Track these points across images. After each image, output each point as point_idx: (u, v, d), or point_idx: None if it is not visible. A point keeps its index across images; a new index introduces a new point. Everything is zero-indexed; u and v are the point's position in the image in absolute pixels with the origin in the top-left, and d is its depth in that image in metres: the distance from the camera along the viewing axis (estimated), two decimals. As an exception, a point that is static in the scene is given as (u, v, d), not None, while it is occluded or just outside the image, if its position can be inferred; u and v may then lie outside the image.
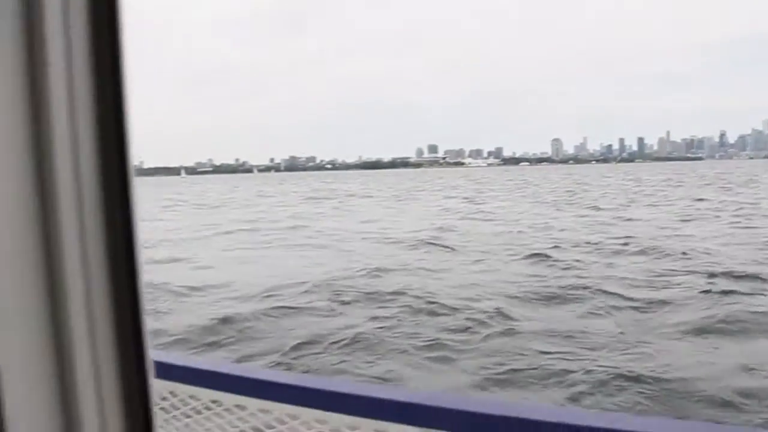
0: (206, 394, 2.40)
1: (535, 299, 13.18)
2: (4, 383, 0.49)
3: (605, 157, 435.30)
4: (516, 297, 13.35)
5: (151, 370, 0.58)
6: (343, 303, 13.05)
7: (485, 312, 11.90)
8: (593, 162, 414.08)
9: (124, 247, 0.57)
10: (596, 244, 21.26)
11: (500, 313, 11.84)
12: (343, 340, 10.31)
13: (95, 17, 0.54)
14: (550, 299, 13.14)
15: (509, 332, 10.69)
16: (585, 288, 13.92)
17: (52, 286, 0.52)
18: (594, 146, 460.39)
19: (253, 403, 2.34)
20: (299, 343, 10.17)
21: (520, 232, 26.32)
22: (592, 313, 11.94)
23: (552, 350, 9.75)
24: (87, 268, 0.54)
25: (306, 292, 13.98)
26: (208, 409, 2.40)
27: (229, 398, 2.38)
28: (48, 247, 0.52)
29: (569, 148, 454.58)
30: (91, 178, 0.55)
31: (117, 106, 0.57)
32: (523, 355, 9.59)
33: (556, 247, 20.86)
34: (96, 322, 0.54)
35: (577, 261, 17.73)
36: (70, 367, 0.52)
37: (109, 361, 0.55)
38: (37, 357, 0.51)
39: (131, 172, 0.58)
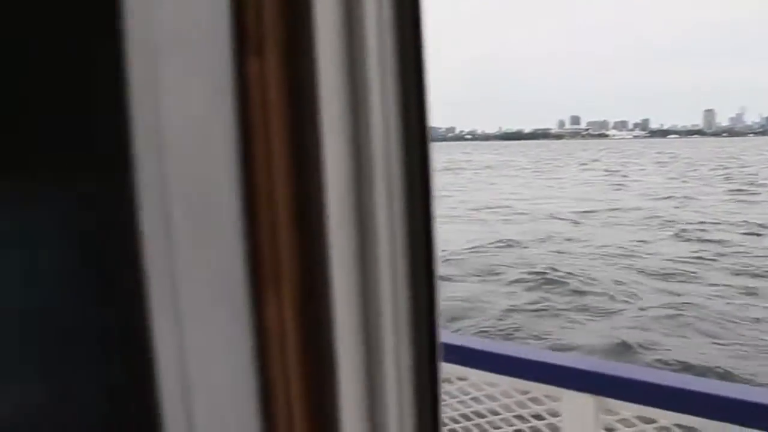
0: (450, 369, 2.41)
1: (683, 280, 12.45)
2: (342, 374, 0.49)
3: (764, 129, 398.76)
4: (663, 275, 12.71)
5: (440, 355, 0.56)
6: (484, 275, 13.02)
7: (631, 291, 11.45)
8: (750, 135, 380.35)
9: (423, 228, 0.54)
10: (760, 225, 19.57)
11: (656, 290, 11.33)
12: (499, 316, 10.17)
13: None
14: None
15: (674, 316, 10.08)
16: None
17: (365, 273, 0.51)
18: (753, 118, 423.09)
19: (503, 381, 2.32)
20: (452, 318, 10.05)
21: (674, 205, 24.91)
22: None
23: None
24: (393, 247, 0.52)
25: (445, 261, 14.06)
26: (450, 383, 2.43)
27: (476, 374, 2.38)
28: (363, 239, 0.50)
29: (723, 120, 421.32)
30: (398, 166, 0.52)
31: (418, 75, 0.52)
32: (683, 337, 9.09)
33: (702, 222, 19.67)
34: (399, 310, 0.53)
35: (743, 242, 16.48)
36: (379, 358, 0.52)
37: (406, 346, 0.53)
38: (354, 342, 0.51)
39: (430, 150, 0.54)
